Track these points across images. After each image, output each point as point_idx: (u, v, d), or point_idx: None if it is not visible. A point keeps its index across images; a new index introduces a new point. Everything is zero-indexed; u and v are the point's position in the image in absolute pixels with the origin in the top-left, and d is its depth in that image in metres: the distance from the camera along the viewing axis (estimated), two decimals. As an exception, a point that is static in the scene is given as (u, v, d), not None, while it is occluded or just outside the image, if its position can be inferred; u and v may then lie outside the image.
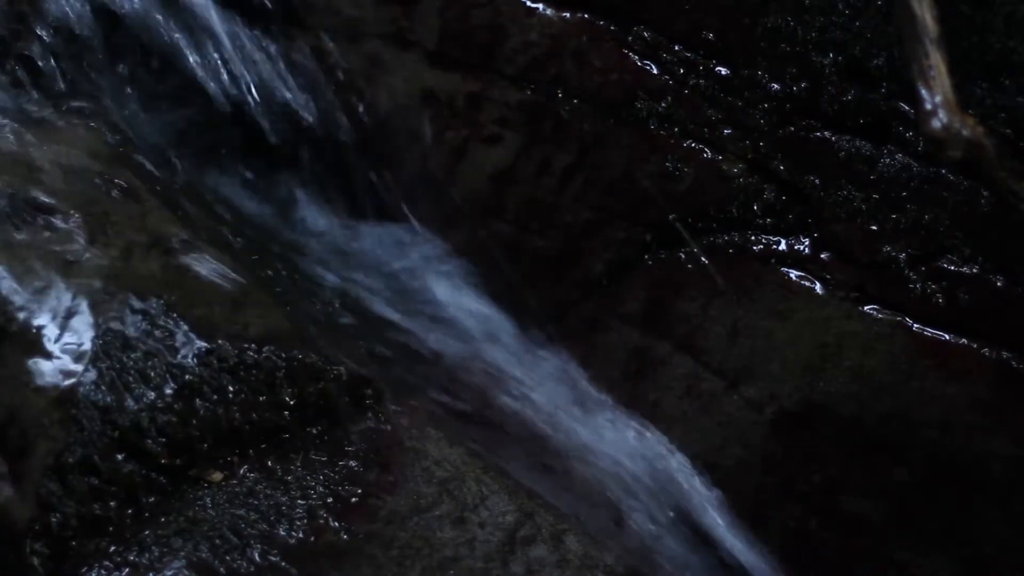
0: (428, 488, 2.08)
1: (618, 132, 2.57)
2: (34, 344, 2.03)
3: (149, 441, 2.00)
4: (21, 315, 2.05)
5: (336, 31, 2.80)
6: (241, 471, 2.05)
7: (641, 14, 2.51)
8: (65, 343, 2.04)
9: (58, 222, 2.19)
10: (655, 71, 2.52)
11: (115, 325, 2.07)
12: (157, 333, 2.07)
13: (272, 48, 2.80)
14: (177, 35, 2.71)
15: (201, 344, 2.08)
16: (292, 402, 2.11)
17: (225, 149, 2.80)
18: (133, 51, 2.72)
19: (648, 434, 2.57)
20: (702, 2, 2.44)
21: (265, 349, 2.11)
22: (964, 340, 2.33)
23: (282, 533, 1.98)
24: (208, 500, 2.01)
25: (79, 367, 2.01)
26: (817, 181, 2.41)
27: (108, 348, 2.04)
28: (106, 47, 2.70)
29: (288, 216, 2.79)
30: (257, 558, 1.95)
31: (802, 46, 2.36)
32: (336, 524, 2.00)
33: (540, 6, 2.60)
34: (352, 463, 2.08)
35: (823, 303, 2.45)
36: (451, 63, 2.72)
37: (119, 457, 1.98)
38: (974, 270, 2.30)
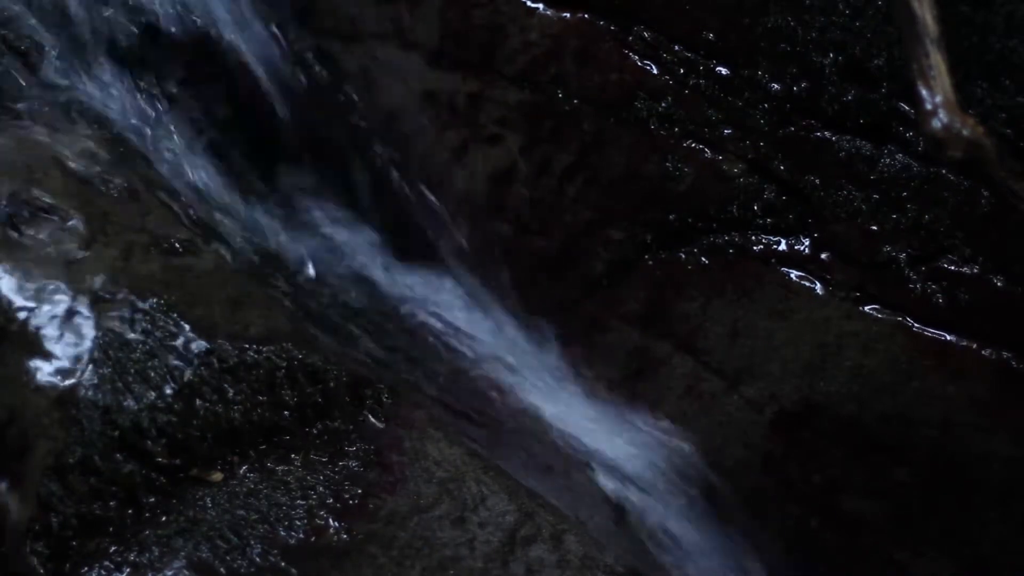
0: (428, 488, 2.07)
1: (618, 132, 2.57)
2: (34, 344, 2.03)
3: (149, 441, 2.00)
4: (21, 315, 2.05)
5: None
6: (241, 471, 2.05)
7: (641, 14, 2.51)
8: (65, 343, 2.03)
9: (58, 222, 2.19)
10: (655, 71, 2.52)
11: (115, 325, 2.06)
12: (157, 333, 2.07)
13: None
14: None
15: (201, 344, 2.08)
16: (292, 402, 2.10)
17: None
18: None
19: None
20: (702, 2, 2.44)
21: (265, 349, 2.11)
22: (964, 340, 2.33)
23: (282, 533, 1.98)
24: (208, 500, 2.01)
25: (79, 367, 2.01)
26: (817, 181, 2.41)
27: (108, 348, 2.04)
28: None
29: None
30: (257, 558, 1.95)
31: (802, 46, 2.36)
32: (336, 524, 2.00)
33: (540, 6, 2.60)
34: (352, 463, 2.08)
35: (823, 303, 2.45)
36: (451, 63, 2.72)
37: (119, 457, 1.98)
38: (974, 270, 2.30)
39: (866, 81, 2.32)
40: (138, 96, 2.72)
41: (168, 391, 2.03)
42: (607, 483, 2.43)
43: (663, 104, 2.51)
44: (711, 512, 2.55)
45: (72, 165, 2.31)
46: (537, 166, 2.67)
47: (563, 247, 2.69)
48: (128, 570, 1.92)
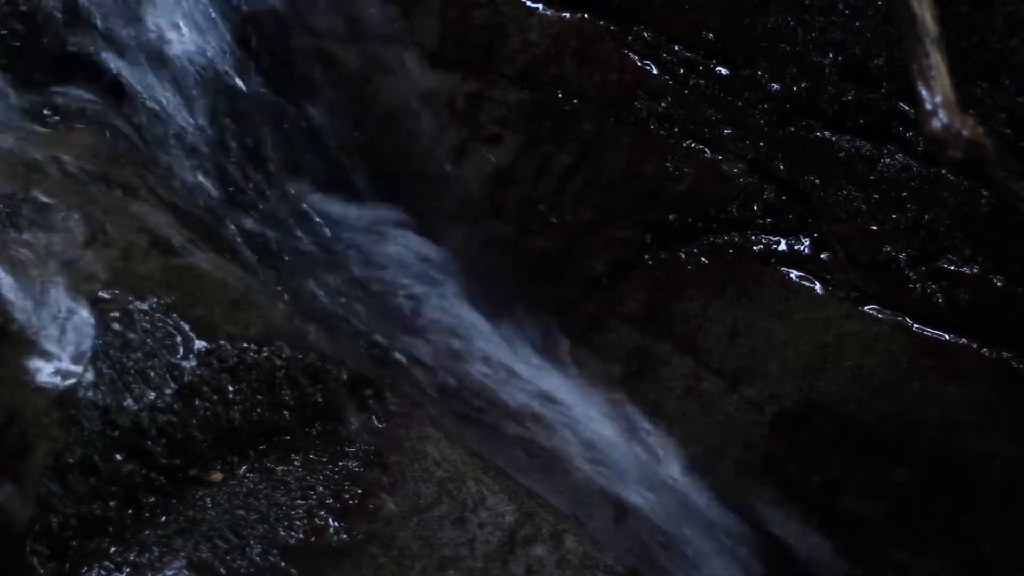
0: (428, 488, 2.07)
1: (618, 132, 2.57)
2: (34, 344, 2.03)
3: (149, 441, 2.00)
4: (21, 315, 2.05)
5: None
6: (241, 471, 2.05)
7: (641, 14, 2.51)
8: (65, 343, 2.03)
9: (58, 222, 2.19)
10: (655, 71, 2.52)
11: (115, 325, 2.06)
12: (157, 333, 2.07)
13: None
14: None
15: (201, 344, 2.08)
16: (292, 402, 2.10)
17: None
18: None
19: None
20: (702, 2, 2.44)
21: (265, 349, 2.11)
22: (964, 340, 2.33)
23: (282, 533, 1.98)
24: (208, 500, 2.00)
25: (79, 367, 2.01)
26: (817, 181, 2.41)
27: (108, 348, 2.04)
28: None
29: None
30: (257, 558, 1.95)
31: (802, 46, 2.36)
32: (336, 524, 2.00)
33: (540, 6, 2.60)
34: (352, 463, 2.08)
35: (823, 303, 2.45)
36: (451, 63, 2.72)
37: (119, 457, 1.98)
38: (974, 270, 2.30)
39: (866, 81, 2.32)
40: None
41: (168, 391, 2.03)
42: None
43: (663, 104, 2.51)
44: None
45: (72, 165, 2.31)
46: (537, 166, 2.67)
47: (563, 247, 2.69)
48: (128, 570, 1.92)
